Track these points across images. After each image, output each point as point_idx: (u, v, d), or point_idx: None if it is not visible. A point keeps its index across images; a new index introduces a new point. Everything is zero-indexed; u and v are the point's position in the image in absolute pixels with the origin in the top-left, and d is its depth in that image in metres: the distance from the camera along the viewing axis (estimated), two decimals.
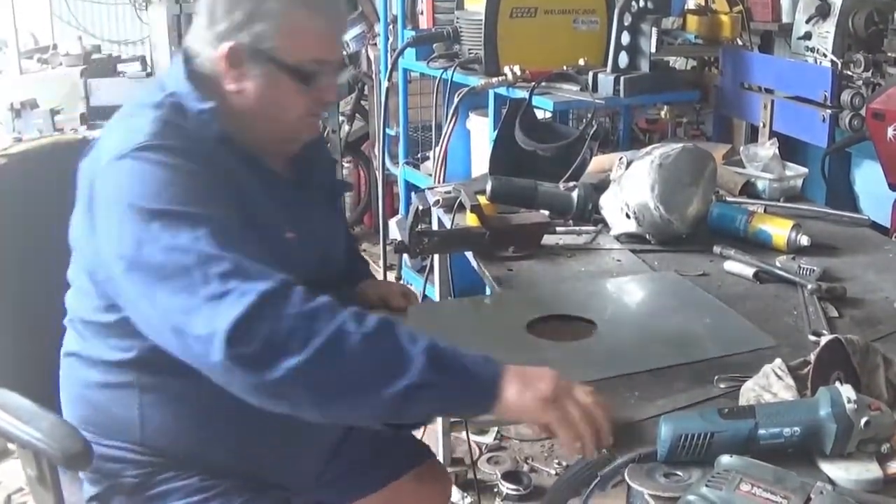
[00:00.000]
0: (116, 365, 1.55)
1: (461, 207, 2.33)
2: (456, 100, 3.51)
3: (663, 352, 1.64)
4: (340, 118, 5.04)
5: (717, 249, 2.10)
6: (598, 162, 2.65)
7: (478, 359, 1.37)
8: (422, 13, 4.15)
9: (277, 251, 1.49)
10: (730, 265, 2.03)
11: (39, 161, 1.98)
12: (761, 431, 1.26)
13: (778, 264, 2.01)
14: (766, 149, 2.60)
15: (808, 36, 3.56)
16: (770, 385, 1.39)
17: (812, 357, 1.41)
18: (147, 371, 1.53)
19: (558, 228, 2.26)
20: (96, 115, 4.16)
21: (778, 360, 1.43)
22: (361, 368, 1.32)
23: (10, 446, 2.06)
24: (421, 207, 3.27)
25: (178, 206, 1.40)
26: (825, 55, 3.43)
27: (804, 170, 2.62)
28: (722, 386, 1.50)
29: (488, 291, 3.23)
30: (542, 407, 1.34)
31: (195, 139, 1.50)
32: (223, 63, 1.54)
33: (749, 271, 1.98)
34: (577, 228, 2.27)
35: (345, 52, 1.64)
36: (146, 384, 1.55)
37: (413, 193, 3.78)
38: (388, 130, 4.23)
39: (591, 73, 3.65)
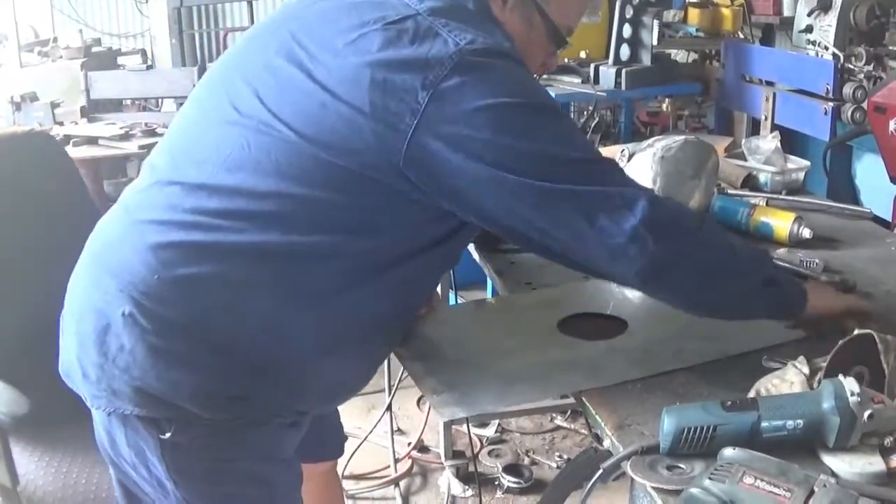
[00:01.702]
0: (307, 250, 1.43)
1: None
2: None
3: (698, 348, 1.60)
4: None
5: None
6: None
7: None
8: None
9: None
10: None
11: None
12: (764, 424, 1.25)
13: (777, 256, 2.00)
14: (769, 142, 2.60)
15: (809, 29, 3.56)
16: (785, 373, 1.40)
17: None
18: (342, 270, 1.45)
19: None
20: (96, 108, 4.15)
21: (801, 357, 1.43)
22: (734, 259, 1.54)
23: None
24: None
25: (553, 104, 1.51)
26: (826, 48, 3.43)
27: (806, 163, 2.61)
28: (772, 365, 1.50)
29: (489, 284, 3.24)
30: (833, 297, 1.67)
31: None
32: None
33: None
34: None
35: None
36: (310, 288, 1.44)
37: None
38: None
39: (592, 66, 3.65)
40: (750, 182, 2.52)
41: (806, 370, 1.40)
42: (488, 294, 3.37)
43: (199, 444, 1.47)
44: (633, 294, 1.83)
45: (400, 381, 2.98)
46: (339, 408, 2.07)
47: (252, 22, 6.19)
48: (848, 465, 1.23)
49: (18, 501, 1.75)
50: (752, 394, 1.39)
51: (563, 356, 1.64)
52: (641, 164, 2.12)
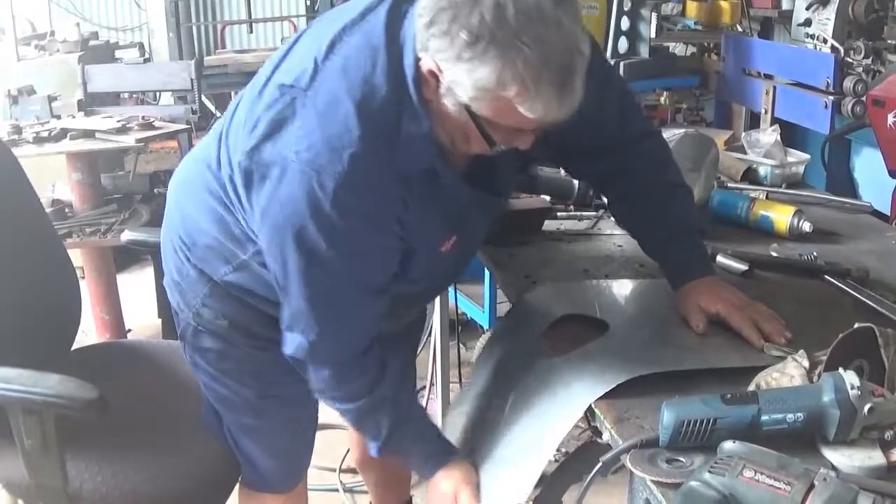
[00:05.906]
0: None
1: None
2: None
3: (678, 356, 1.54)
4: None
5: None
6: None
7: None
8: None
9: (430, 265, 1.60)
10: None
11: None
12: (764, 417, 1.25)
13: (773, 253, 2.00)
14: (768, 135, 2.59)
15: (808, 23, 3.55)
16: (785, 366, 1.40)
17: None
18: None
19: (559, 214, 2.25)
20: (94, 102, 4.14)
21: (801, 351, 1.43)
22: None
23: None
24: None
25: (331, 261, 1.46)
26: (825, 42, 3.42)
27: (806, 156, 2.60)
28: (773, 353, 1.51)
29: (487, 275, 3.23)
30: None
31: (390, 160, 1.40)
32: (426, 73, 1.37)
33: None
34: (577, 214, 2.26)
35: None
36: None
37: None
38: None
39: None
40: (749, 175, 2.51)
41: (806, 363, 1.39)
42: (486, 288, 3.35)
43: None
44: (624, 298, 1.83)
45: None
46: None
47: (250, 15, 6.16)
48: (848, 459, 1.23)
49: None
50: (751, 387, 1.39)
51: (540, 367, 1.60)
52: None
